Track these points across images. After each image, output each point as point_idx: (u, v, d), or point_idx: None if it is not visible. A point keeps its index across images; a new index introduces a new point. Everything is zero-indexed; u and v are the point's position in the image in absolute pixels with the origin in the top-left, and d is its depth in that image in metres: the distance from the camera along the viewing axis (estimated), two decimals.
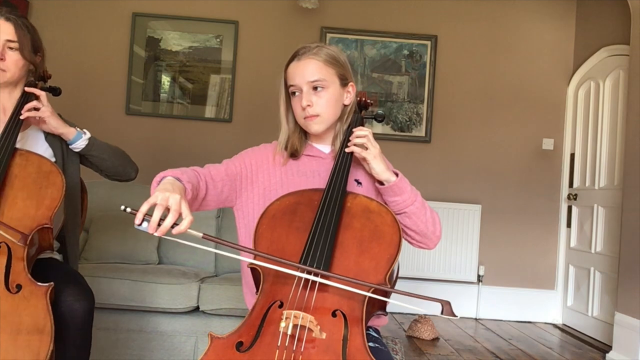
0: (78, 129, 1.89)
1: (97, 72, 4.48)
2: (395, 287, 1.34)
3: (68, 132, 1.85)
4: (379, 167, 1.47)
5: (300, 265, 1.24)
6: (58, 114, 1.91)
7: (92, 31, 4.50)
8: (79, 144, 1.88)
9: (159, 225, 1.14)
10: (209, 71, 4.54)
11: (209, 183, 1.47)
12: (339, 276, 1.24)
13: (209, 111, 4.55)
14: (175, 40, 4.53)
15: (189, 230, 1.16)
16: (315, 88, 1.52)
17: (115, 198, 3.20)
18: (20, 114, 1.79)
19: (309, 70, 1.51)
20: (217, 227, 3.24)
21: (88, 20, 4.50)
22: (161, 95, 4.56)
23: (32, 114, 1.78)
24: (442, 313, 1.19)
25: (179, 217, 1.17)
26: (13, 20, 1.84)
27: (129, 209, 1.15)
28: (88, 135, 1.91)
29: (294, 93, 1.55)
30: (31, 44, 1.88)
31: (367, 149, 1.47)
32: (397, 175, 1.50)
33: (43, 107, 1.80)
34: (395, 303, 1.29)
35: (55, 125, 1.82)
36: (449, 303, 1.19)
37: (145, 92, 4.53)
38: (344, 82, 1.58)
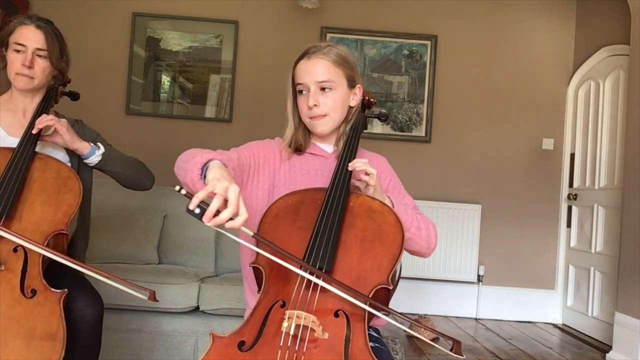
0: (92, 144, 1.88)
1: (97, 72, 4.48)
2: (397, 288, 1.34)
3: (82, 147, 1.84)
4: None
5: (303, 263, 1.24)
6: (78, 120, 1.92)
7: (92, 31, 4.50)
8: (93, 160, 1.88)
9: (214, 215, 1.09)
10: (209, 71, 4.54)
11: (228, 167, 1.40)
12: (340, 283, 1.23)
13: (209, 111, 4.55)
14: (175, 40, 4.53)
15: (242, 227, 1.12)
16: (322, 89, 1.52)
17: (115, 198, 3.19)
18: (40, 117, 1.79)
19: (318, 70, 1.51)
20: None
21: (88, 20, 4.50)
22: (161, 95, 4.55)
23: (50, 123, 1.76)
24: (451, 350, 1.21)
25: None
26: (43, 29, 1.85)
27: (183, 191, 1.11)
28: (102, 150, 1.89)
29: (301, 91, 1.55)
30: (59, 51, 1.89)
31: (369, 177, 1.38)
32: (392, 204, 1.43)
33: (61, 121, 1.80)
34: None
35: (70, 140, 1.81)
36: (459, 343, 1.20)
37: (145, 92, 4.53)
38: (351, 84, 1.58)
